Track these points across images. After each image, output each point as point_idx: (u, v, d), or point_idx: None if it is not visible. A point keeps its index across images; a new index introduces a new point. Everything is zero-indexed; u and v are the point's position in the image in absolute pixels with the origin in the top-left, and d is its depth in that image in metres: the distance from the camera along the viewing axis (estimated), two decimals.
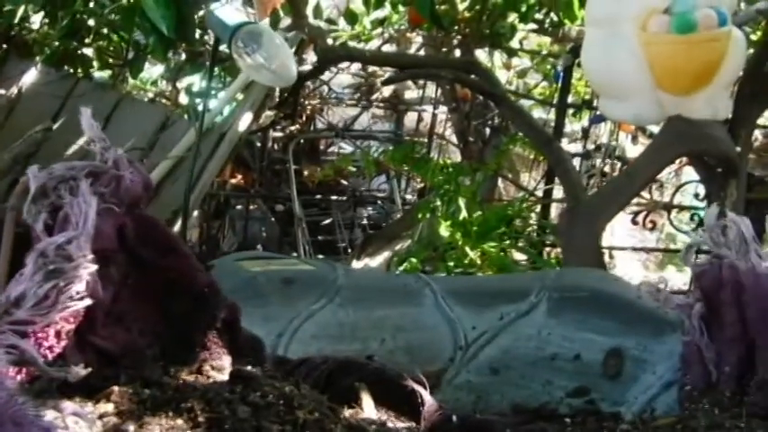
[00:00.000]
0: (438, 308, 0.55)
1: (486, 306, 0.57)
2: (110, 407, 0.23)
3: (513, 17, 3.06)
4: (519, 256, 2.48)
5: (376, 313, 0.51)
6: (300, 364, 0.38)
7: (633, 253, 3.32)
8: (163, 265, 0.31)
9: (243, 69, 1.22)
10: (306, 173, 3.49)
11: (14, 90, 2.19)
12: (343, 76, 3.73)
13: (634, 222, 2.64)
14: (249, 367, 0.35)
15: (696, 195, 2.50)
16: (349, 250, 3.23)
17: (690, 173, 2.73)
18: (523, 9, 2.86)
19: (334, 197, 3.55)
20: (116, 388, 0.25)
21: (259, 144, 3.43)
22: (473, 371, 0.52)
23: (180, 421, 0.25)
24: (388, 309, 0.52)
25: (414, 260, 2.34)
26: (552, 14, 3.04)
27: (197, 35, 1.86)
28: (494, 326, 0.55)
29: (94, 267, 0.24)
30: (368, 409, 0.33)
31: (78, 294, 0.24)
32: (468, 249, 2.27)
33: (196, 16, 1.49)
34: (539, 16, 3.10)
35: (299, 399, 0.28)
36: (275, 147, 3.69)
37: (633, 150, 2.97)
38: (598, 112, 2.95)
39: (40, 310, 0.23)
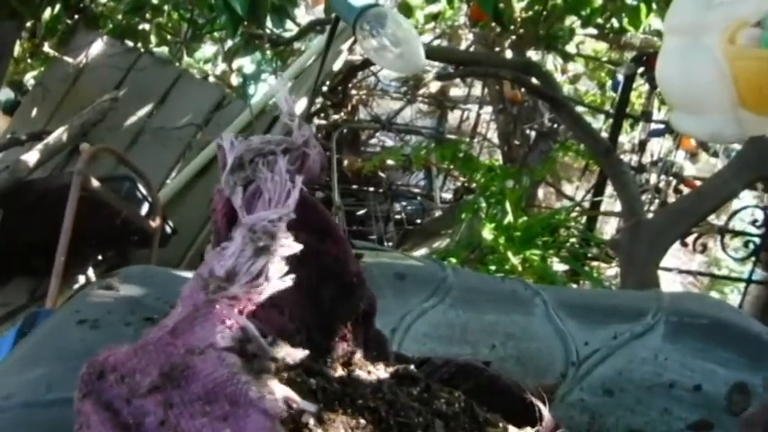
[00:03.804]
0: (549, 319, 0.53)
1: (599, 323, 0.54)
2: None
3: (571, 20, 2.97)
4: (558, 266, 2.42)
5: (486, 317, 0.49)
6: (422, 364, 0.36)
7: (675, 274, 3.19)
8: (319, 249, 0.29)
9: (368, 54, 1.19)
10: (346, 162, 3.48)
11: (82, 59, 2.24)
12: None
13: (683, 244, 2.53)
14: (380, 363, 0.33)
15: (754, 222, 2.38)
16: (385, 243, 3.22)
17: (745, 197, 2.60)
18: (586, 12, 2.76)
19: (371, 189, 3.53)
20: (284, 374, 0.24)
21: None
22: (586, 389, 0.49)
23: (363, 421, 0.23)
24: (499, 314, 0.50)
25: (453, 260, 2.30)
26: (614, 20, 2.93)
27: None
28: (607, 344, 0.52)
29: (298, 248, 0.23)
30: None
31: (281, 275, 0.23)
32: (510, 254, 2.22)
33: None
34: (599, 21, 2.99)
35: (479, 411, 0.27)
36: (319, 134, 3.68)
37: (691, 168, 2.85)
38: (655, 126, 2.83)
39: (252, 287, 0.22)
